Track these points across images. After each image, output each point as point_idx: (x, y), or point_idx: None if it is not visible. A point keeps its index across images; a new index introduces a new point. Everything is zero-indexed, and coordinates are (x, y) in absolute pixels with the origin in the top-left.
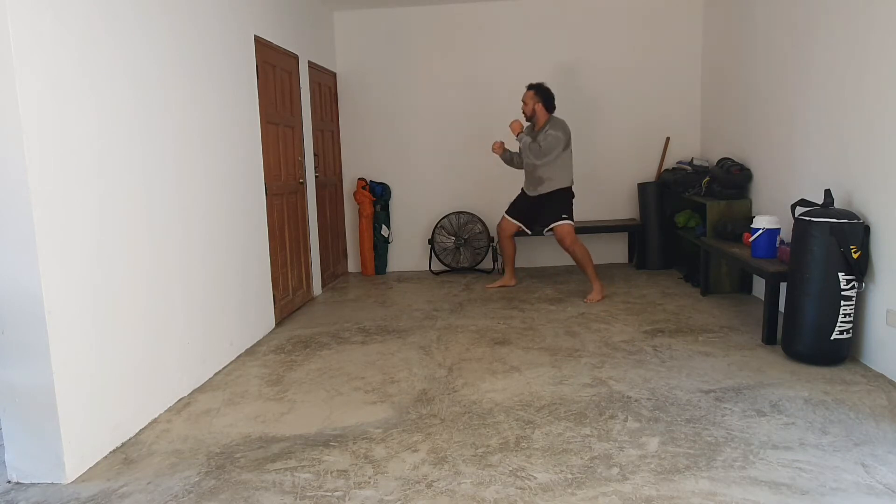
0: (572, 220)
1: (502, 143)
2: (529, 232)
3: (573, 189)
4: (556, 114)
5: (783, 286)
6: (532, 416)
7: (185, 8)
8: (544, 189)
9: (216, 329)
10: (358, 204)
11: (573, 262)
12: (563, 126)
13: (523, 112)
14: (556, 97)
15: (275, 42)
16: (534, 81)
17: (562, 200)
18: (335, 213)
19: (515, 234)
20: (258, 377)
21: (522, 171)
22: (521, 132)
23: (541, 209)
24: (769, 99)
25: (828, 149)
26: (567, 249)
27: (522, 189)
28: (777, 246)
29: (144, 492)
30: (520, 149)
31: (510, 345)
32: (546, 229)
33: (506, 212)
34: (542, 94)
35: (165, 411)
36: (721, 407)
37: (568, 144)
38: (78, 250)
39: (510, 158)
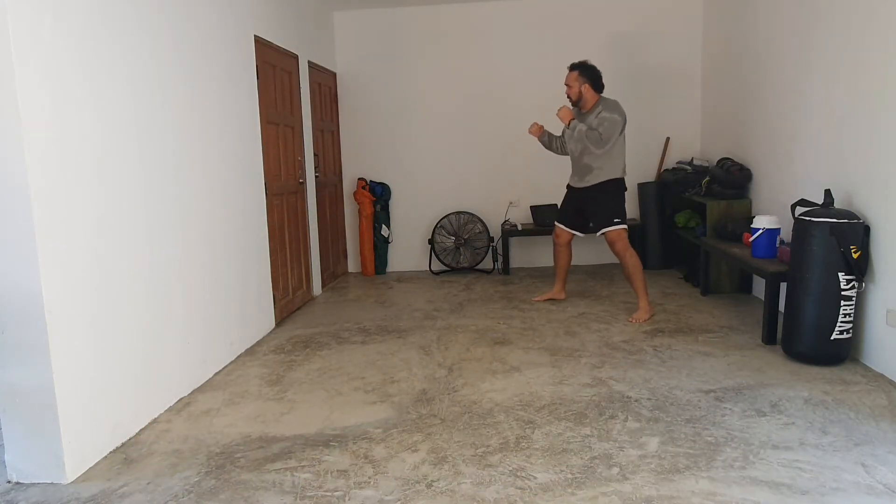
0: (625, 224)
1: (541, 126)
2: (583, 234)
3: (624, 181)
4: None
5: (783, 286)
6: (532, 416)
7: (185, 8)
8: (592, 180)
9: (216, 329)
10: (358, 204)
11: (574, 263)
12: (618, 107)
13: (568, 96)
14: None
15: (275, 42)
16: (575, 61)
17: (612, 197)
18: (335, 213)
19: (570, 241)
20: (258, 377)
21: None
22: (573, 119)
23: (590, 204)
24: (769, 99)
25: (828, 149)
26: (617, 255)
27: (568, 185)
28: (777, 246)
29: (144, 492)
30: (564, 135)
31: (510, 345)
32: (598, 233)
33: (556, 220)
34: (587, 74)
35: (165, 411)
36: (721, 407)
37: (623, 129)
38: (78, 250)
39: (549, 142)
